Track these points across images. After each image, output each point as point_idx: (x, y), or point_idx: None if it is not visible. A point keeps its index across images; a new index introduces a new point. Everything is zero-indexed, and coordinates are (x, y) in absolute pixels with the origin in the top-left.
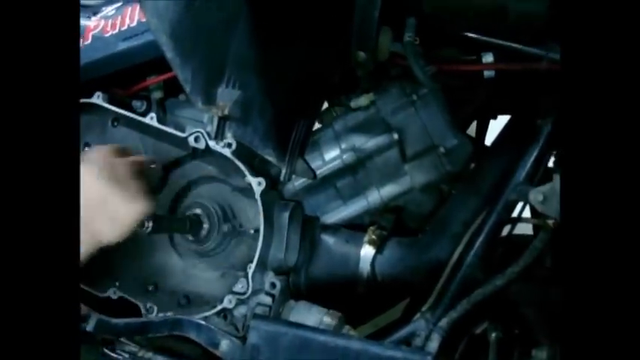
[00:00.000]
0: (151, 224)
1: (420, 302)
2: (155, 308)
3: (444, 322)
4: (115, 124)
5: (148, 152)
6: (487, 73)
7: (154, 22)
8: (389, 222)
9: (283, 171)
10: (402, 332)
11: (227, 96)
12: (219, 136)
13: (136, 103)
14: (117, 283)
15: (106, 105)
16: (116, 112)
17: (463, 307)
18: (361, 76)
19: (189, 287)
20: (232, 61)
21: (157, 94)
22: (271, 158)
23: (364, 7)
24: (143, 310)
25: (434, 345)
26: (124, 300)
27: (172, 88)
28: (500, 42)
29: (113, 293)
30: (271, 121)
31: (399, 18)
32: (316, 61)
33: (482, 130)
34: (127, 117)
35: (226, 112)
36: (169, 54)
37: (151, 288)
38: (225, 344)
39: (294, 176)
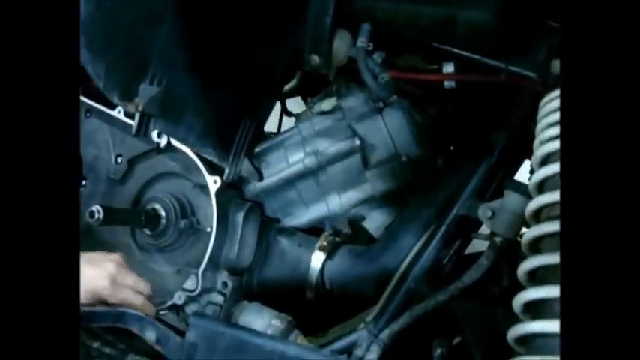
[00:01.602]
0: (101, 215)
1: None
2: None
3: (384, 334)
4: (88, 114)
5: (116, 144)
6: (447, 83)
7: None
8: (350, 230)
9: (226, 171)
10: (345, 341)
11: (147, 92)
12: (141, 132)
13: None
14: None
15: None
16: (90, 104)
17: (405, 320)
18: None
19: (147, 281)
20: (158, 58)
21: None
22: (211, 158)
23: (317, 12)
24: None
25: (372, 356)
26: None
27: None
28: (461, 52)
29: None
30: (209, 120)
31: (356, 23)
32: (262, 62)
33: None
34: (98, 109)
35: (140, 108)
36: (83, 47)
37: None
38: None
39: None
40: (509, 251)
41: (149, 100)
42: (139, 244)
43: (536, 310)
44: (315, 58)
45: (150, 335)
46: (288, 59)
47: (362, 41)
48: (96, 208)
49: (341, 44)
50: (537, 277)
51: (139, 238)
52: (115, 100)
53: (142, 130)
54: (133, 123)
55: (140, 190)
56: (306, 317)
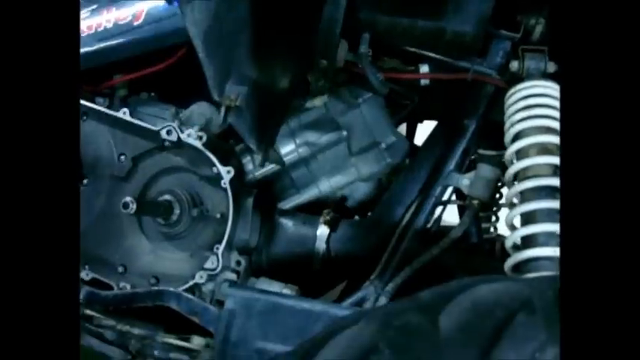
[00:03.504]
0: (135, 206)
1: (368, 274)
2: (128, 287)
3: (389, 287)
4: (84, 117)
5: (118, 144)
6: (423, 81)
7: (192, 29)
8: (337, 208)
9: (259, 158)
10: (354, 298)
11: (235, 90)
12: (224, 123)
13: (99, 100)
14: (86, 266)
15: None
16: (88, 107)
17: (406, 273)
18: (317, 82)
19: (158, 268)
20: (237, 62)
21: (121, 92)
22: (253, 146)
23: (329, 24)
24: (116, 289)
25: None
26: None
27: (135, 87)
28: (436, 56)
29: (86, 275)
30: (256, 116)
31: (355, 33)
32: (291, 66)
33: (412, 131)
34: (100, 111)
35: (237, 102)
36: (201, 55)
37: (120, 270)
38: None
39: (253, 168)
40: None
41: (242, 97)
42: (147, 234)
43: (525, 244)
44: (324, 62)
45: (187, 309)
46: (304, 63)
47: (364, 48)
48: (129, 199)
49: (342, 50)
50: (522, 221)
51: (147, 228)
52: (216, 97)
53: (224, 122)
54: (140, 123)
55: (145, 185)
56: (309, 287)
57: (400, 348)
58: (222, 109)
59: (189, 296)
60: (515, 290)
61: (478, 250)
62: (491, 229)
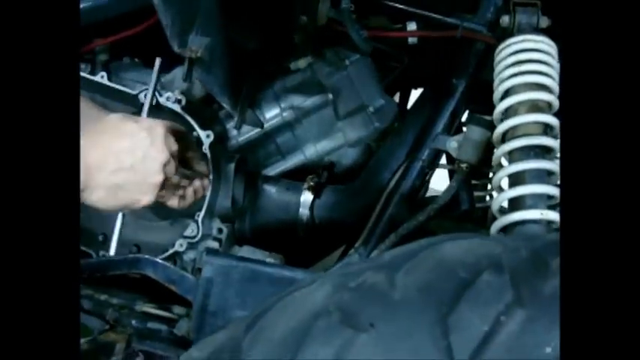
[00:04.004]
0: None
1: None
2: (107, 255)
3: (374, 255)
4: None
5: None
6: (411, 40)
7: None
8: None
9: (235, 119)
10: (338, 266)
11: (197, 42)
12: (187, 78)
13: (81, 65)
14: None
15: None
16: None
17: (391, 240)
18: (300, 41)
19: (139, 236)
20: (202, 13)
21: (102, 57)
22: (226, 105)
23: None
24: (96, 257)
25: None
26: None
27: (116, 51)
28: (423, 12)
29: None
30: (228, 73)
31: None
32: (266, 23)
33: (406, 98)
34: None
35: (199, 54)
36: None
37: (100, 238)
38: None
39: (237, 133)
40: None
41: (204, 48)
42: None
43: (512, 206)
44: (304, 19)
45: (165, 277)
46: (281, 23)
47: (345, 2)
48: None
49: (323, 6)
50: (510, 182)
51: None
52: (175, 48)
53: (189, 77)
54: (117, 86)
55: None
56: (294, 255)
57: (351, 310)
58: (185, 63)
59: (166, 264)
60: (484, 249)
61: (469, 217)
62: (487, 198)
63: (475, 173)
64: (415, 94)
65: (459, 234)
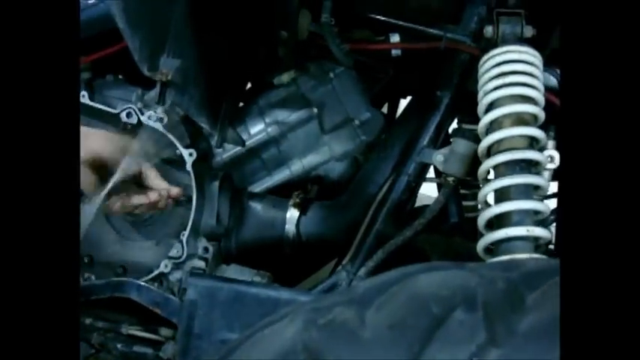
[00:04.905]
0: None
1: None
2: (93, 277)
3: (362, 272)
4: None
5: None
6: (394, 52)
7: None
8: (313, 191)
9: (215, 138)
10: (326, 284)
11: (168, 64)
12: (160, 101)
13: None
14: None
15: None
16: None
17: (379, 256)
18: (283, 56)
19: (125, 257)
20: (172, 35)
21: (85, 75)
22: (204, 125)
23: None
24: (82, 280)
25: None
26: None
27: (100, 69)
28: (406, 24)
29: None
30: (204, 92)
31: (316, 1)
32: (243, 40)
33: (394, 108)
34: None
35: (169, 77)
36: (121, 25)
37: (86, 260)
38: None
39: (221, 150)
40: (457, 193)
41: (175, 71)
42: (113, 222)
43: (498, 223)
44: (284, 34)
45: (149, 300)
46: (260, 37)
47: (325, 17)
48: None
49: (303, 20)
50: (496, 198)
51: (112, 217)
52: (145, 71)
53: (161, 100)
54: (98, 105)
55: None
56: (281, 273)
57: (319, 349)
58: (157, 86)
59: (150, 286)
60: (459, 281)
61: (458, 230)
62: (480, 206)
63: (464, 184)
64: (404, 103)
65: (434, 263)
